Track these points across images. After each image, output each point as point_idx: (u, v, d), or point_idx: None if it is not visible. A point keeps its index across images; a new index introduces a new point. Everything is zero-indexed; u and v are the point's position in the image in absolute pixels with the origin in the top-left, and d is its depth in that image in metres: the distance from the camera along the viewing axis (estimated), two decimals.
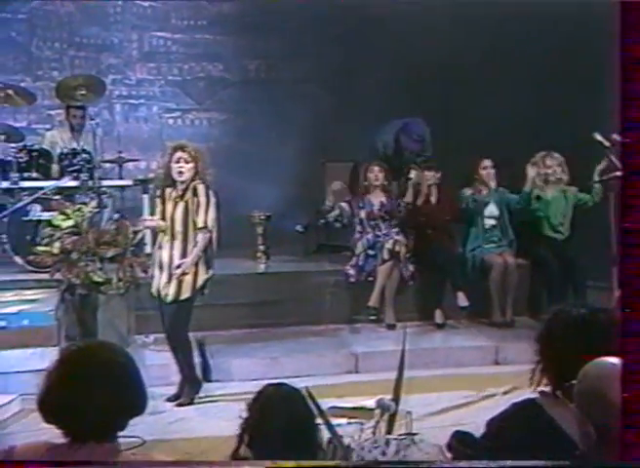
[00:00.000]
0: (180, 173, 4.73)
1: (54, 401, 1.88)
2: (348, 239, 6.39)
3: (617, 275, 1.93)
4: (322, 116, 7.57)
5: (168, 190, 4.83)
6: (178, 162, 4.72)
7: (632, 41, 1.82)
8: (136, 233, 5.26)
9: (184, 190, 4.78)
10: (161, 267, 4.86)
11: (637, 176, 1.83)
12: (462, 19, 7.16)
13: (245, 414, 2.42)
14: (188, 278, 4.78)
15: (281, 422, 2.35)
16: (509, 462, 1.84)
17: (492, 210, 6.29)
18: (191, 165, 4.72)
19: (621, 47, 1.83)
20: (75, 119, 6.76)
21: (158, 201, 4.91)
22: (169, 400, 4.80)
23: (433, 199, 6.33)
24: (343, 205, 6.35)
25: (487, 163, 6.27)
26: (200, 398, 4.86)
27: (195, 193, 4.74)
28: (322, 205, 6.83)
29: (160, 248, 4.89)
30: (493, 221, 6.31)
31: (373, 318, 5.97)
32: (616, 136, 3.30)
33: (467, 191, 6.31)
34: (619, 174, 2.01)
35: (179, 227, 4.79)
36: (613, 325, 1.98)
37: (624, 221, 1.82)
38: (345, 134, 7.18)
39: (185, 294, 4.80)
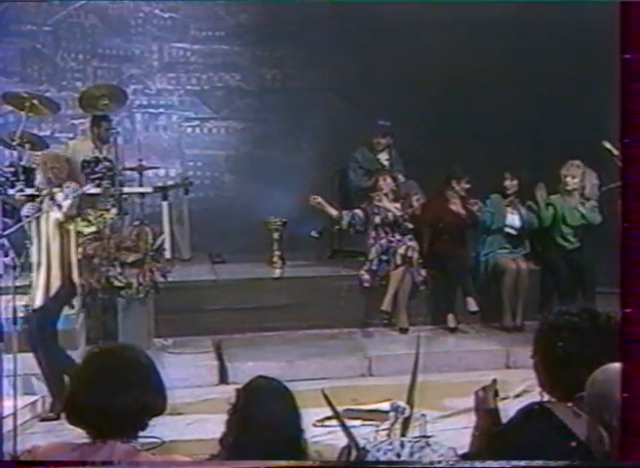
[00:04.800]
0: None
1: (78, 402, 1.94)
2: (362, 244, 6.48)
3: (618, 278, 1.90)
4: (338, 124, 7.67)
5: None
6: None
7: (633, 41, 1.81)
8: (155, 239, 5.41)
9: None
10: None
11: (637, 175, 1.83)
12: (477, 31, 7.24)
13: (233, 400, 2.41)
14: (42, 285, 4.57)
15: (265, 414, 2.32)
16: (513, 462, 1.85)
17: (514, 221, 6.34)
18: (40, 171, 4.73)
19: (622, 48, 1.82)
20: (104, 132, 6.87)
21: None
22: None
23: (455, 207, 6.35)
24: (358, 211, 6.42)
25: (507, 176, 6.33)
26: (217, 400, 4.97)
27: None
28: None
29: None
30: (513, 232, 6.37)
31: (385, 322, 6.06)
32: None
33: (496, 198, 6.34)
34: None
35: (44, 239, 4.59)
36: (605, 325, 2.01)
37: (625, 222, 1.82)
38: (364, 141, 7.26)
39: (38, 303, 4.58)
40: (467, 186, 6.35)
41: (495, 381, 2.34)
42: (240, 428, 2.33)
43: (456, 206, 6.28)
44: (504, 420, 2.23)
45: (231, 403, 2.41)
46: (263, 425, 2.30)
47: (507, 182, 6.34)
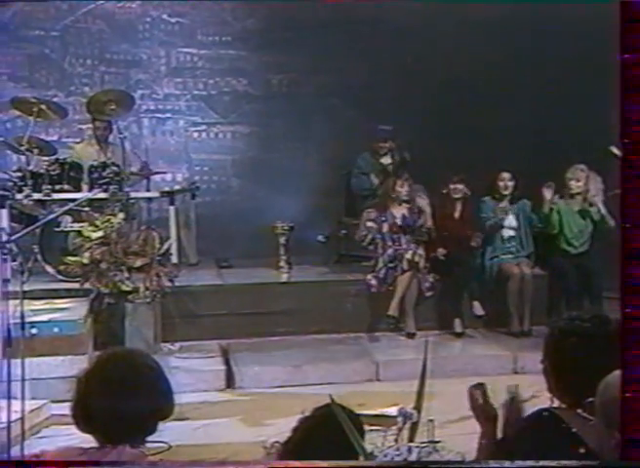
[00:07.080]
0: None
1: (88, 407, 1.95)
2: (369, 250, 6.47)
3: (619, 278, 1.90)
4: (344, 129, 7.67)
5: None
6: None
7: (633, 41, 1.79)
8: (162, 243, 5.41)
9: None
10: None
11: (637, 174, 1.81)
12: (480, 34, 7.26)
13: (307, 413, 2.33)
14: None
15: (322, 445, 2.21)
16: (517, 462, 1.84)
17: (510, 221, 6.34)
18: None
19: (622, 48, 1.80)
20: (99, 131, 6.93)
21: None
22: None
23: (457, 214, 6.38)
24: (371, 224, 6.27)
25: (505, 175, 6.34)
26: (224, 404, 4.97)
27: None
28: (341, 218, 6.85)
29: None
30: (512, 232, 6.36)
31: (392, 327, 6.04)
32: None
33: (489, 201, 6.38)
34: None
35: None
36: (616, 331, 1.95)
37: (625, 222, 1.81)
38: (367, 146, 7.27)
39: None
40: (460, 187, 6.31)
41: (482, 384, 2.33)
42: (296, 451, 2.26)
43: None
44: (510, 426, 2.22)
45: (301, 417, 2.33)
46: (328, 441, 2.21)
47: (501, 183, 6.32)
